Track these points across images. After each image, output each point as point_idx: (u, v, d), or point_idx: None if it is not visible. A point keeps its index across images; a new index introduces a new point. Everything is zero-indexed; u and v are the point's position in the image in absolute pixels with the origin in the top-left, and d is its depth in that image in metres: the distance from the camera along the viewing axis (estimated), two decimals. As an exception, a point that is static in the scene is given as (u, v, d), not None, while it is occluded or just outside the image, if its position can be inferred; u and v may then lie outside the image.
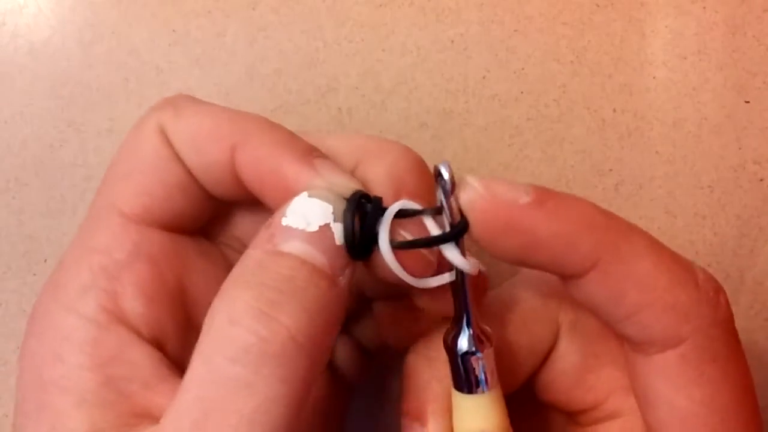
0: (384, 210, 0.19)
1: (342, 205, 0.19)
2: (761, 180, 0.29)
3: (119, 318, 0.19)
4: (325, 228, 0.18)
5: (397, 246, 0.19)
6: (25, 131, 0.29)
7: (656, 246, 0.19)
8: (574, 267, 0.19)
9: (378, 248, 0.19)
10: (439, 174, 0.19)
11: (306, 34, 0.29)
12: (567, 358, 0.22)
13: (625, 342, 0.20)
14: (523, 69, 0.30)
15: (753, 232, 0.29)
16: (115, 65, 0.29)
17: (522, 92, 0.29)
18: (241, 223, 0.23)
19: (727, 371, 0.19)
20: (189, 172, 0.20)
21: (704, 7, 0.30)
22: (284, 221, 0.18)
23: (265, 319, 0.17)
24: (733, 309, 0.30)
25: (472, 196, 0.18)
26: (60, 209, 0.29)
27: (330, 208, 0.19)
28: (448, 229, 0.19)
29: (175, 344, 0.20)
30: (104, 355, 0.18)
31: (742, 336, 0.29)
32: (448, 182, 0.18)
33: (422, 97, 0.29)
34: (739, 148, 0.29)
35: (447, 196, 0.19)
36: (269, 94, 0.29)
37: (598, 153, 0.29)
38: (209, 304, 0.19)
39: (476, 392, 0.20)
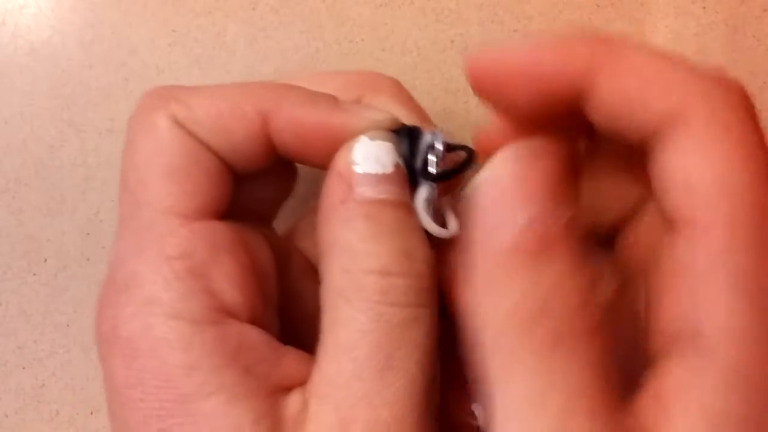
0: (420, 137, 0.20)
1: (396, 141, 0.20)
2: (761, 180, 0.29)
3: (226, 311, 0.19)
4: (398, 166, 0.19)
5: (441, 175, 0.20)
6: (25, 131, 0.29)
7: (653, 49, 0.18)
8: (579, 78, 0.18)
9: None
10: (431, 146, 0.19)
11: (306, 34, 0.29)
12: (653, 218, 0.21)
13: (638, 145, 0.18)
14: (523, 69, 0.30)
15: (753, 232, 0.29)
16: (115, 65, 0.29)
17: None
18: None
19: (738, 140, 0.17)
20: (219, 157, 0.20)
21: (704, 7, 0.30)
22: (359, 169, 0.19)
23: (409, 261, 0.18)
24: (733, 309, 0.30)
25: (476, 58, 0.19)
26: (60, 209, 0.29)
27: (392, 147, 0.19)
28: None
29: (264, 320, 0.20)
30: (232, 350, 0.18)
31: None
32: (441, 152, 0.19)
33: (422, 97, 0.29)
34: (739, 148, 0.29)
35: (439, 158, 0.19)
36: (269, 94, 0.29)
37: (598, 153, 0.29)
38: (273, 277, 0.21)
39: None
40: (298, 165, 0.23)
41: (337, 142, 0.19)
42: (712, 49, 0.30)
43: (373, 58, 0.29)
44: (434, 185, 0.20)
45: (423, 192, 0.20)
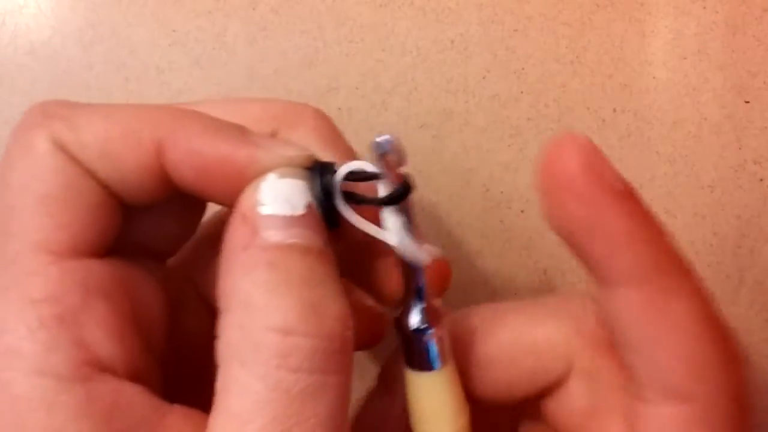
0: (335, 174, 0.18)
1: (308, 178, 0.18)
2: (761, 180, 0.29)
3: (98, 365, 0.16)
4: (310, 207, 0.17)
5: (349, 201, 0.18)
6: (25, 131, 0.29)
7: (704, 297, 0.18)
8: (623, 274, 0.17)
9: (339, 210, 0.18)
10: (380, 149, 0.18)
11: (306, 34, 0.29)
12: (575, 399, 0.21)
13: (630, 385, 0.19)
14: (523, 69, 0.30)
15: (753, 232, 0.29)
16: (115, 65, 0.29)
17: (522, 92, 0.29)
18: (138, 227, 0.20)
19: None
20: (105, 187, 0.18)
21: (704, 7, 0.30)
22: (264, 210, 0.17)
23: (317, 317, 0.16)
24: (733, 309, 0.30)
25: (576, 150, 0.17)
26: (60, 209, 0.28)
27: (304, 185, 0.17)
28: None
29: (145, 374, 0.18)
30: (104, 411, 0.16)
31: (742, 336, 0.30)
32: (391, 154, 0.18)
33: (422, 97, 0.29)
34: (739, 148, 0.29)
35: (389, 167, 0.18)
36: (269, 94, 0.29)
37: (598, 153, 0.29)
38: (160, 323, 0.19)
39: (430, 370, 0.20)
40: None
41: (242, 179, 0.17)
42: (712, 49, 0.30)
43: (373, 58, 0.29)
44: (405, 210, 0.18)
45: (393, 219, 0.18)
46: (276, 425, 0.15)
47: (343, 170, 0.18)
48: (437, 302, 0.20)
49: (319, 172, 0.18)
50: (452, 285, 0.26)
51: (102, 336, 0.17)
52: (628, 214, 0.17)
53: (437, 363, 0.20)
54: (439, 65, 0.29)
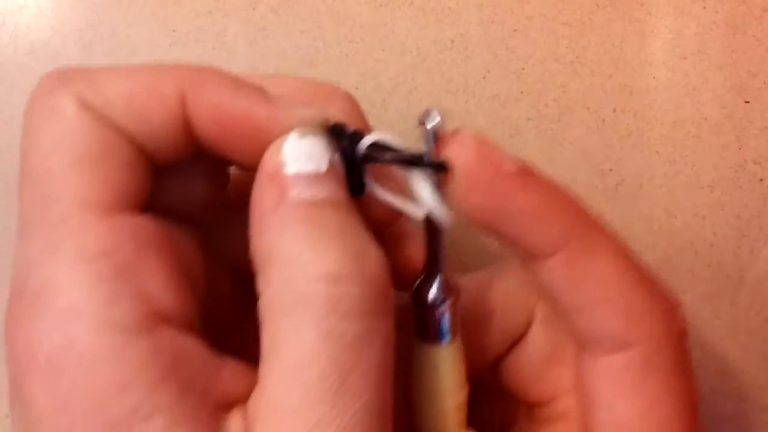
0: (360, 139, 0.18)
1: (329, 139, 0.18)
2: (761, 180, 0.29)
3: (160, 317, 0.16)
4: (332, 164, 0.18)
5: (373, 160, 0.18)
6: (25, 131, 0.29)
7: (622, 249, 0.19)
8: (540, 246, 0.18)
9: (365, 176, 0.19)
10: (428, 117, 0.18)
11: (306, 34, 0.29)
12: (535, 347, 0.22)
13: (575, 339, 0.20)
14: (523, 69, 0.30)
15: (753, 232, 0.29)
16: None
17: (522, 92, 0.29)
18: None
19: (670, 385, 0.19)
20: (135, 143, 0.18)
21: (704, 7, 0.30)
22: (290, 169, 0.17)
23: (361, 262, 0.16)
24: (733, 309, 0.30)
25: (463, 146, 0.18)
26: (60, 209, 0.28)
27: (324, 143, 0.18)
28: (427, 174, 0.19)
29: (196, 325, 0.18)
30: (169, 362, 0.16)
31: (742, 336, 0.30)
32: (433, 130, 0.18)
33: (422, 97, 0.29)
34: (739, 148, 0.29)
35: (431, 138, 0.18)
36: (269, 94, 0.29)
37: (598, 153, 0.29)
38: (202, 282, 0.19)
39: (439, 343, 0.20)
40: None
41: (261, 137, 0.18)
42: (712, 49, 0.30)
43: (373, 58, 0.29)
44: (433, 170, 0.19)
45: (422, 184, 0.19)
46: (333, 371, 0.16)
47: (369, 138, 0.18)
48: (453, 278, 0.20)
49: (340, 134, 0.18)
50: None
51: (160, 288, 0.17)
52: (529, 190, 0.18)
53: (447, 336, 0.20)
54: (439, 65, 0.29)
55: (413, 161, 0.18)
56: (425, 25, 0.30)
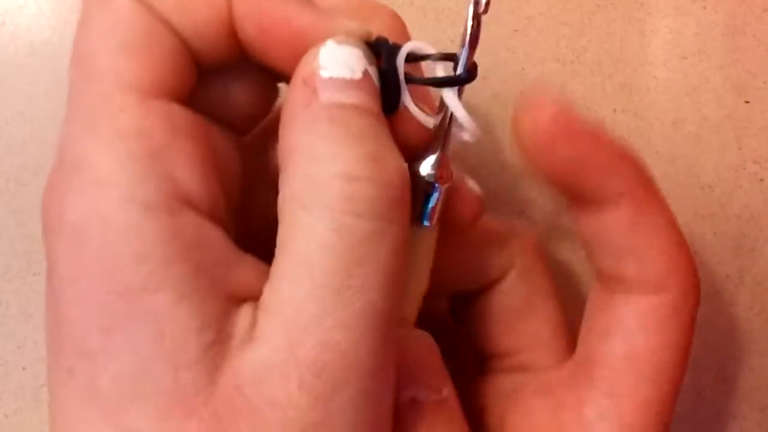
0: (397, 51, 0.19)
1: (366, 51, 0.18)
2: (761, 180, 0.29)
3: (185, 200, 0.17)
4: (367, 73, 0.18)
5: (410, 81, 0.19)
6: (25, 131, 0.29)
7: (667, 205, 0.21)
8: (609, 195, 0.20)
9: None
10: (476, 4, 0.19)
11: (306, 34, 0.29)
12: (507, 296, 0.23)
13: (605, 279, 0.22)
14: (523, 69, 0.30)
15: (753, 232, 0.29)
16: (115, 65, 0.29)
17: (522, 92, 0.29)
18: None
19: (682, 333, 0.21)
20: (179, 38, 0.18)
21: (704, 7, 0.30)
22: (324, 73, 0.17)
23: (378, 166, 0.17)
24: (733, 309, 0.30)
25: (544, 107, 0.19)
26: (60, 209, 0.29)
27: (362, 53, 0.18)
28: (458, 71, 0.19)
29: (223, 219, 0.18)
30: (187, 243, 0.17)
31: (742, 336, 0.30)
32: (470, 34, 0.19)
33: (422, 97, 0.29)
34: (739, 148, 0.29)
35: (470, 38, 0.19)
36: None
37: (598, 153, 0.29)
38: (237, 184, 0.20)
39: (419, 224, 0.20)
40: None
41: (303, 43, 0.18)
42: (712, 49, 0.30)
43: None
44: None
45: (453, 97, 0.19)
46: (339, 267, 0.16)
47: (405, 48, 0.19)
48: (450, 169, 0.20)
49: (380, 48, 0.19)
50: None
51: (189, 173, 0.17)
52: (607, 145, 0.20)
53: (427, 220, 0.20)
54: (439, 65, 0.29)
55: (446, 82, 0.19)
56: (425, 25, 0.30)
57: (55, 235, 0.17)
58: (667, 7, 0.30)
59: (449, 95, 0.19)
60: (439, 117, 0.20)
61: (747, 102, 0.29)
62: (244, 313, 0.17)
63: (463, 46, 0.19)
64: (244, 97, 0.20)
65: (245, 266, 0.18)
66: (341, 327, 0.16)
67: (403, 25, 0.21)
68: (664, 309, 0.21)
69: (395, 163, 0.17)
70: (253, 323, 0.17)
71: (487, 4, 0.19)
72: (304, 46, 0.18)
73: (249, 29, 0.18)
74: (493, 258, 0.23)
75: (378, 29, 0.19)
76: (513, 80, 0.29)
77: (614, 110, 0.29)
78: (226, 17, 0.18)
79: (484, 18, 0.19)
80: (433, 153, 0.20)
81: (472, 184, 0.22)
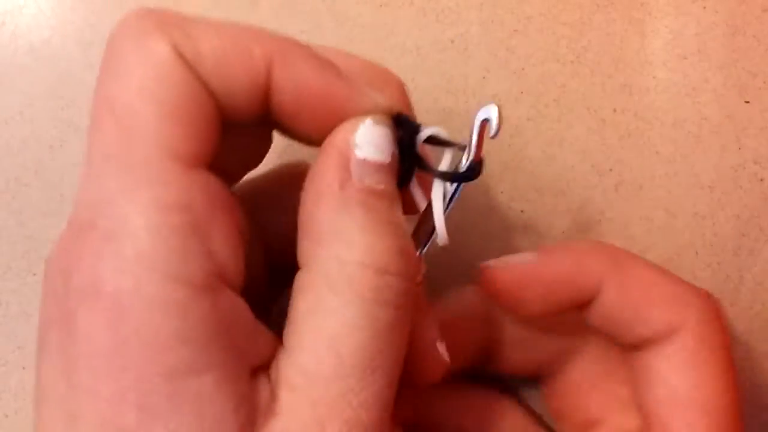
0: (416, 130, 0.19)
1: (393, 128, 0.19)
2: (761, 180, 0.29)
3: (222, 277, 0.17)
4: (394, 156, 0.19)
5: (421, 167, 0.20)
6: (25, 131, 0.29)
7: (650, 263, 0.22)
8: (588, 289, 0.22)
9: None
10: (485, 116, 0.19)
11: (306, 34, 0.29)
12: (609, 307, 0.24)
13: (631, 344, 0.23)
14: (523, 69, 0.30)
15: (753, 232, 0.29)
16: (115, 65, 0.29)
17: (522, 92, 0.29)
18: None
19: (717, 358, 0.21)
20: (215, 99, 0.18)
21: (704, 7, 0.30)
22: (359, 153, 0.18)
23: (404, 261, 0.18)
24: (733, 309, 0.30)
25: (493, 269, 0.22)
26: (60, 209, 0.28)
27: (391, 134, 0.19)
28: (465, 161, 0.20)
29: (243, 284, 0.18)
30: (225, 322, 0.17)
31: (742, 336, 0.29)
32: (494, 125, 0.19)
33: (422, 97, 0.29)
34: (739, 148, 0.29)
35: (480, 141, 0.19)
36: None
37: (598, 153, 0.29)
38: (247, 231, 0.20)
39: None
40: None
41: (335, 113, 0.18)
42: (712, 49, 0.30)
43: (373, 58, 0.29)
44: (456, 187, 0.20)
45: (439, 190, 0.20)
46: (365, 350, 0.17)
47: (426, 132, 0.19)
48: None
49: (402, 126, 0.19)
50: (453, 285, 0.26)
51: (224, 248, 0.17)
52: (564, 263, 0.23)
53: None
54: (439, 65, 0.29)
55: (449, 177, 0.20)
56: (425, 25, 0.30)
57: (88, 302, 0.16)
58: (667, 7, 0.30)
59: (437, 195, 0.20)
60: (424, 206, 0.20)
61: (747, 102, 0.29)
62: (263, 385, 0.17)
63: (468, 151, 0.19)
64: (241, 146, 0.20)
65: (262, 336, 0.18)
66: (365, 406, 0.17)
67: (407, 94, 0.21)
68: (687, 344, 0.21)
69: (415, 256, 0.19)
70: (273, 396, 0.17)
71: (498, 130, 0.19)
72: (337, 118, 0.18)
73: (286, 96, 0.18)
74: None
75: (388, 98, 0.20)
76: (513, 80, 0.29)
77: (614, 110, 0.29)
78: (263, 83, 0.18)
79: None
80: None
81: (442, 350, 0.21)
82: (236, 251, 0.18)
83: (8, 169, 0.29)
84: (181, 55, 0.17)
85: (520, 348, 0.25)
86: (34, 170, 0.29)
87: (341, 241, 0.18)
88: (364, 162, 0.18)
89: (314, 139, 0.19)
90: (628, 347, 0.23)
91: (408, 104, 0.21)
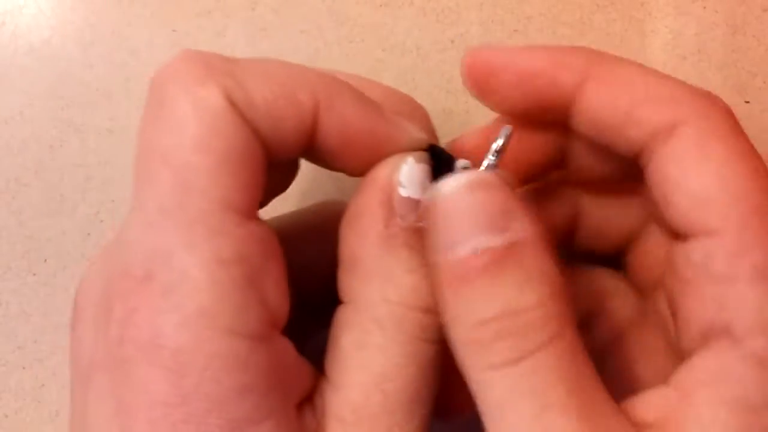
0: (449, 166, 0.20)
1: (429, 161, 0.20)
2: (761, 180, 0.29)
3: (275, 325, 0.18)
4: (432, 195, 0.19)
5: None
6: (25, 131, 0.29)
7: (641, 64, 0.20)
8: (567, 84, 0.19)
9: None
10: (505, 137, 0.19)
11: (306, 34, 0.29)
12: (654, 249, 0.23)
13: (633, 161, 0.20)
14: (523, 69, 0.30)
15: (753, 232, 0.29)
16: (115, 65, 0.29)
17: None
18: None
19: (730, 145, 0.19)
20: (265, 146, 0.18)
21: (704, 7, 0.30)
22: (403, 192, 0.19)
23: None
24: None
25: (469, 50, 0.20)
26: (60, 209, 0.29)
27: (430, 171, 0.19)
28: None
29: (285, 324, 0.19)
30: (280, 369, 0.17)
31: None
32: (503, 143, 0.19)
33: (422, 97, 0.29)
34: (739, 148, 0.29)
35: (497, 155, 0.20)
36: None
37: (598, 153, 0.29)
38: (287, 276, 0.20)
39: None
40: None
41: (377, 153, 0.19)
42: (712, 49, 0.30)
43: (373, 58, 0.29)
44: None
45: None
46: (412, 385, 0.18)
47: (461, 164, 0.20)
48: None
49: (437, 158, 0.20)
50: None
51: (276, 296, 0.18)
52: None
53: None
54: (439, 65, 0.29)
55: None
56: (425, 25, 0.30)
57: (148, 356, 0.16)
58: (667, 7, 0.30)
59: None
60: None
61: (747, 102, 0.29)
62: (308, 418, 0.18)
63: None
64: (274, 176, 0.20)
65: (304, 370, 0.19)
66: None
67: (431, 122, 0.22)
68: (691, 138, 0.19)
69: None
70: (319, 428, 0.18)
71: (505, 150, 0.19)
72: (378, 154, 0.19)
73: (332, 138, 0.19)
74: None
75: (419, 129, 0.20)
76: (513, 80, 0.29)
77: (614, 110, 0.29)
78: (310, 127, 0.18)
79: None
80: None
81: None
82: (285, 296, 0.18)
83: (8, 169, 0.29)
84: (234, 105, 0.17)
85: (601, 221, 0.24)
86: (34, 170, 0.29)
87: (388, 281, 0.18)
88: (407, 200, 0.19)
89: (347, 170, 0.20)
90: (628, 165, 0.20)
91: (433, 132, 0.22)
